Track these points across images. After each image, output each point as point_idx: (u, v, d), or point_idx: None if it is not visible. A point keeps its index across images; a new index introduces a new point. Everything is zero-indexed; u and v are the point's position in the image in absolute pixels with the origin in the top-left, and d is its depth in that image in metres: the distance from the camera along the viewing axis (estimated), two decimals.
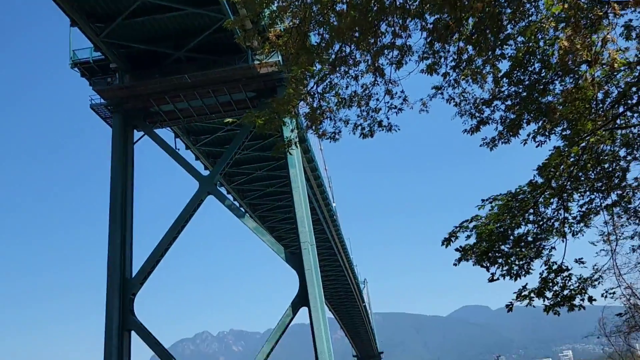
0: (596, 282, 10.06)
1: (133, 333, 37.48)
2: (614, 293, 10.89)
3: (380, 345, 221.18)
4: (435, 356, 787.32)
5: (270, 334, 37.91)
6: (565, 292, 9.75)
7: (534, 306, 9.73)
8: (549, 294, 9.76)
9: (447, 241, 9.99)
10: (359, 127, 10.44)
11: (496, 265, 9.78)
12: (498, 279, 9.74)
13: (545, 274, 9.71)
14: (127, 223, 38.27)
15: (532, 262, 9.78)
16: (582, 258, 9.83)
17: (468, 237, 9.76)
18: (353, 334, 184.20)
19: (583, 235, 10.57)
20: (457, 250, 10.11)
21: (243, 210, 59.01)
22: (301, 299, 36.27)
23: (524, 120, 9.97)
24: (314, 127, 10.22)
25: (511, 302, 9.85)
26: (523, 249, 9.85)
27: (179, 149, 44.62)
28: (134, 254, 38.89)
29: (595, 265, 10.24)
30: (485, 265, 10.04)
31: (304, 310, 36.47)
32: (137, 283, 37.65)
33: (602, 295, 10.17)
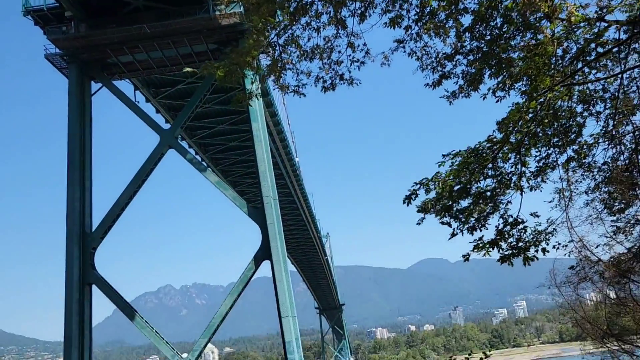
0: (550, 235, 10.37)
1: (95, 287, 37.35)
2: (566, 246, 11.27)
3: (341, 297, 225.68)
4: (395, 307, 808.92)
5: (232, 287, 38.25)
6: (520, 244, 10.04)
7: (490, 256, 9.97)
8: (504, 245, 10.03)
9: (408, 199, 10.07)
10: (321, 80, 10.34)
11: (456, 221, 9.96)
12: (457, 234, 9.93)
13: (501, 227, 9.96)
14: (85, 177, 37.60)
15: (489, 216, 9.99)
16: (537, 212, 10.11)
17: (427, 191, 9.86)
18: (315, 286, 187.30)
19: (541, 191, 10.84)
20: (418, 210, 10.22)
21: (205, 164, 58.44)
22: (264, 253, 36.54)
23: (485, 75, 10.02)
24: (275, 79, 10.08)
25: (468, 253, 10.10)
26: (482, 204, 10.03)
27: (138, 102, 43.65)
28: (94, 209, 38.43)
29: (549, 218, 10.57)
30: (446, 222, 10.21)
31: (267, 264, 36.84)
32: (97, 237, 37.29)
33: (554, 247, 10.50)
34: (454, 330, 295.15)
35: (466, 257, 10.09)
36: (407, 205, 10.12)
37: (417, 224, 10.49)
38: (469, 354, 14.53)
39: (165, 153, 39.50)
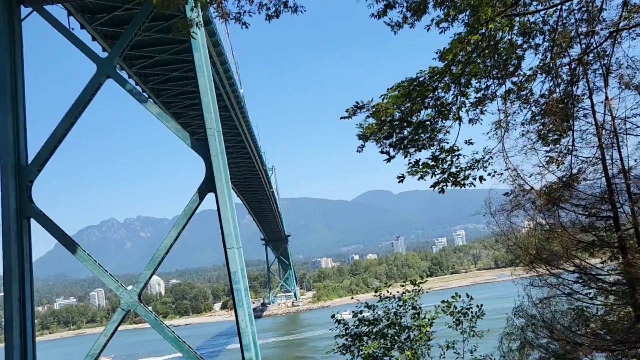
0: (486, 164, 10.70)
1: (34, 221, 36.54)
2: (501, 174, 11.70)
3: (287, 228, 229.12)
4: (339, 238, 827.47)
5: (177, 219, 38.12)
6: (453, 169, 10.33)
7: (425, 180, 10.22)
8: (437, 172, 10.30)
9: (346, 117, 10.06)
10: (264, 7, 10.06)
11: (395, 149, 10.11)
12: (394, 156, 10.09)
13: (437, 153, 10.18)
14: (18, 106, 35.97)
15: (426, 145, 10.19)
16: (471, 139, 10.38)
17: (368, 117, 9.91)
18: (261, 218, 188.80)
19: (481, 124, 11.06)
20: (359, 137, 10.29)
21: (146, 95, 56.75)
22: (208, 185, 36.35)
23: (429, 5, 9.99)
24: (216, 6, 9.74)
25: (402, 175, 10.33)
26: (422, 134, 10.19)
27: (73, 29, 41.45)
28: (31, 142, 37.06)
29: (485, 147, 10.88)
30: (386, 151, 10.34)
31: (212, 196, 36.70)
32: (34, 170, 36.14)
33: (489, 175, 10.85)
34: (396, 258, 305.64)
35: (400, 179, 10.32)
36: (349, 117, 10.08)
37: (357, 151, 10.57)
38: (404, 281, 15.16)
39: (103, 83, 38.08)
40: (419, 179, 10.03)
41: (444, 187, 10.31)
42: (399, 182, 10.30)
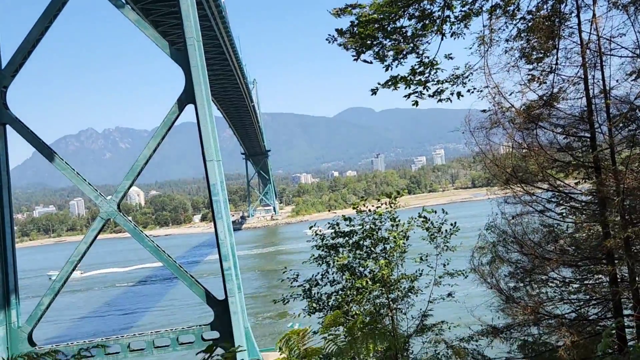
0: (466, 80, 10.60)
1: (10, 128, 35.95)
2: (481, 91, 11.61)
3: (267, 143, 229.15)
4: (319, 154, 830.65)
5: (156, 130, 37.73)
6: (430, 83, 10.22)
7: (397, 89, 10.09)
8: (413, 81, 10.18)
9: (336, 15, 9.79)
10: None
11: (370, 51, 9.90)
12: (370, 62, 9.92)
13: (416, 67, 10.03)
14: None
15: (406, 57, 10.01)
16: (451, 54, 10.21)
17: (352, 23, 9.64)
18: (241, 132, 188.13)
19: (464, 38, 10.85)
20: (337, 31, 10.00)
21: (123, 1, 54.64)
22: (187, 96, 35.80)
23: None
24: None
25: (376, 87, 10.22)
26: (402, 43, 9.97)
27: None
28: (3, 46, 35.86)
29: (467, 63, 10.74)
30: (369, 61, 10.14)
31: (193, 109, 36.22)
32: (7, 75, 35.18)
33: (468, 91, 10.75)
34: (375, 176, 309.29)
35: (374, 91, 10.22)
36: (338, 16, 9.82)
37: (327, 40, 10.25)
38: (381, 195, 15.41)
39: None
40: (392, 89, 9.90)
41: (420, 98, 10.21)
42: (372, 94, 10.19)
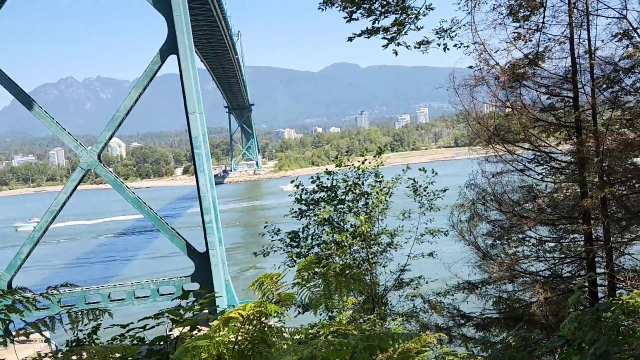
0: (453, 34, 10.51)
1: None
2: (467, 46, 11.52)
3: (251, 97, 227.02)
4: (303, 110, 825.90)
5: (138, 81, 37.16)
6: (415, 32, 10.12)
7: (376, 36, 9.98)
8: (393, 29, 10.06)
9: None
10: None
11: (360, 10, 9.78)
12: (357, 19, 9.80)
13: (400, 18, 9.89)
14: None
15: (393, 8, 9.86)
16: (431, 4, 10.06)
17: None
18: (225, 85, 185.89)
19: None
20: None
21: None
22: (170, 46, 35.16)
23: None
24: None
25: (354, 34, 10.14)
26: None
27: None
28: None
29: (454, 18, 10.62)
30: (355, 18, 10.00)
31: (176, 60, 35.62)
32: None
33: (454, 46, 10.68)
34: (358, 133, 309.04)
35: (350, 38, 10.16)
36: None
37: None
38: (364, 152, 15.46)
39: None
40: (367, 36, 9.83)
41: (400, 44, 10.06)
42: (347, 40, 10.13)
